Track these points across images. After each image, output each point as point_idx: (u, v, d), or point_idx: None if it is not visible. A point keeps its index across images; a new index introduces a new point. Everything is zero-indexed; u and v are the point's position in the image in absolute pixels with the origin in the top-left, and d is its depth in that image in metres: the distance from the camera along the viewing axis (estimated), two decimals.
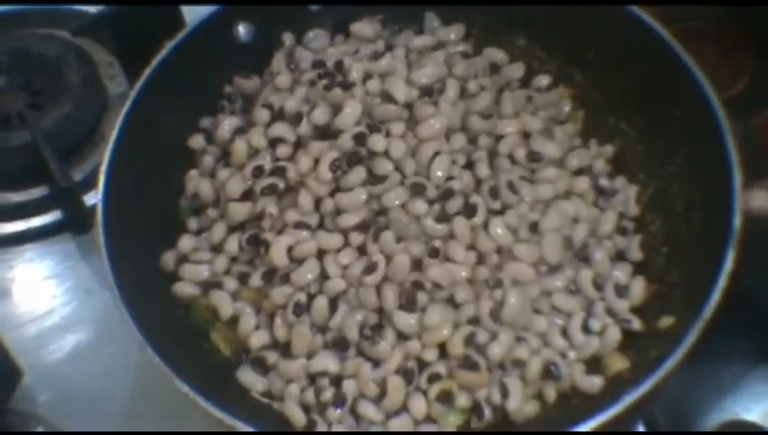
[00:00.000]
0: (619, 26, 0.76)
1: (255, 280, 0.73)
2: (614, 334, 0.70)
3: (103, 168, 0.72)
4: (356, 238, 0.72)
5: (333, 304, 0.71)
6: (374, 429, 0.69)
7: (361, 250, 0.72)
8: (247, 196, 0.74)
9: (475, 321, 0.70)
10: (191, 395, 0.63)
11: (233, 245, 0.74)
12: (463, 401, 0.69)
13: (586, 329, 0.70)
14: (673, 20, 0.74)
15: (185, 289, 0.74)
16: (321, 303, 0.70)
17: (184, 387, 0.64)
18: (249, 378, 0.71)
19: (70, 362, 0.79)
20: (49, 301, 0.82)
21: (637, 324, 0.70)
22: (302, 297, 0.71)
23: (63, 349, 0.79)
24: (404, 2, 0.83)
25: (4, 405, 0.74)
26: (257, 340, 0.72)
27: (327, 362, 0.70)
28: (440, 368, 0.69)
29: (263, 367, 0.71)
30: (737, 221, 0.66)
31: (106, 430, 0.74)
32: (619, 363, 0.69)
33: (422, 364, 0.70)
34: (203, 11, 0.80)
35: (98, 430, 0.74)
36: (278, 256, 0.71)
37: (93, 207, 0.72)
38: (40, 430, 0.75)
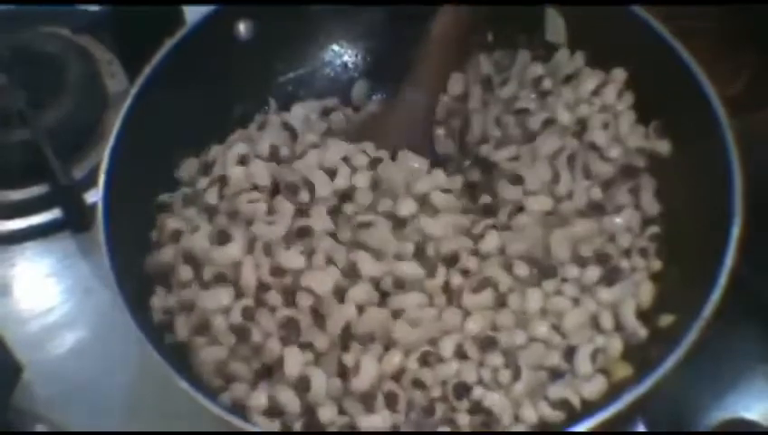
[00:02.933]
0: (618, 25, 0.76)
1: None
2: (617, 347, 0.69)
3: (104, 166, 0.72)
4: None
5: None
6: None
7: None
8: None
9: None
10: (191, 392, 0.63)
11: None
12: None
13: (594, 358, 0.68)
14: (673, 18, 0.74)
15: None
16: None
17: (183, 384, 0.64)
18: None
19: (70, 359, 0.79)
20: (49, 298, 0.82)
21: (643, 333, 0.69)
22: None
23: (63, 346, 0.79)
24: (406, 2, 0.83)
25: (4, 402, 0.74)
26: None
27: None
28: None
29: None
30: (738, 220, 0.66)
31: (106, 429, 0.74)
32: (622, 371, 0.68)
33: None
34: (203, 9, 0.80)
35: (98, 431, 0.74)
36: None
37: (94, 206, 0.72)
38: (39, 427, 0.75)
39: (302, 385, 0.66)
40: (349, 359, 0.67)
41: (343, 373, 0.66)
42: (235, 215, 0.71)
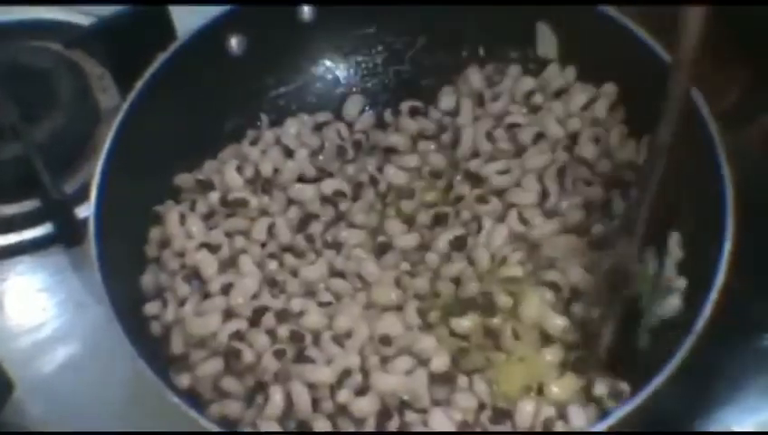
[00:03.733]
0: (610, 40, 0.76)
1: None
2: None
3: (95, 180, 0.72)
4: None
5: None
6: None
7: None
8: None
9: None
10: (182, 408, 0.63)
11: None
12: None
13: None
14: (663, 28, 0.74)
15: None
16: None
17: (174, 399, 0.63)
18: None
19: (62, 375, 0.78)
20: (41, 314, 0.82)
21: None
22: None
23: (55, 362, 0.79)
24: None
25: None
26: None
27: None
28: None
29: None
30: (729, 234, 0.65)
31: None
32: None
33: None
34: (195, 23, 0.80)
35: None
36: None
37: (85, 220, 0.72)
38: None
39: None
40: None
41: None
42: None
